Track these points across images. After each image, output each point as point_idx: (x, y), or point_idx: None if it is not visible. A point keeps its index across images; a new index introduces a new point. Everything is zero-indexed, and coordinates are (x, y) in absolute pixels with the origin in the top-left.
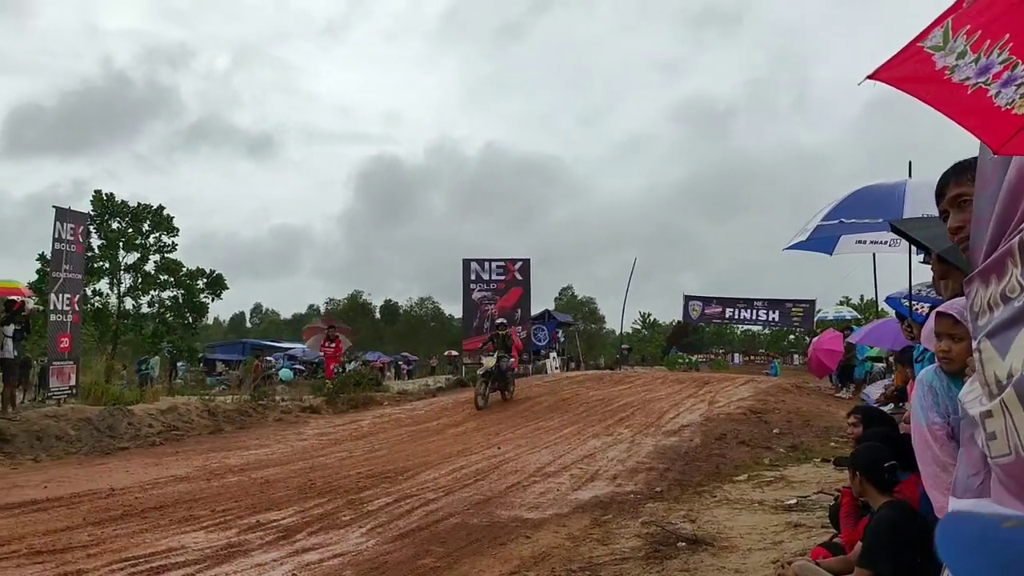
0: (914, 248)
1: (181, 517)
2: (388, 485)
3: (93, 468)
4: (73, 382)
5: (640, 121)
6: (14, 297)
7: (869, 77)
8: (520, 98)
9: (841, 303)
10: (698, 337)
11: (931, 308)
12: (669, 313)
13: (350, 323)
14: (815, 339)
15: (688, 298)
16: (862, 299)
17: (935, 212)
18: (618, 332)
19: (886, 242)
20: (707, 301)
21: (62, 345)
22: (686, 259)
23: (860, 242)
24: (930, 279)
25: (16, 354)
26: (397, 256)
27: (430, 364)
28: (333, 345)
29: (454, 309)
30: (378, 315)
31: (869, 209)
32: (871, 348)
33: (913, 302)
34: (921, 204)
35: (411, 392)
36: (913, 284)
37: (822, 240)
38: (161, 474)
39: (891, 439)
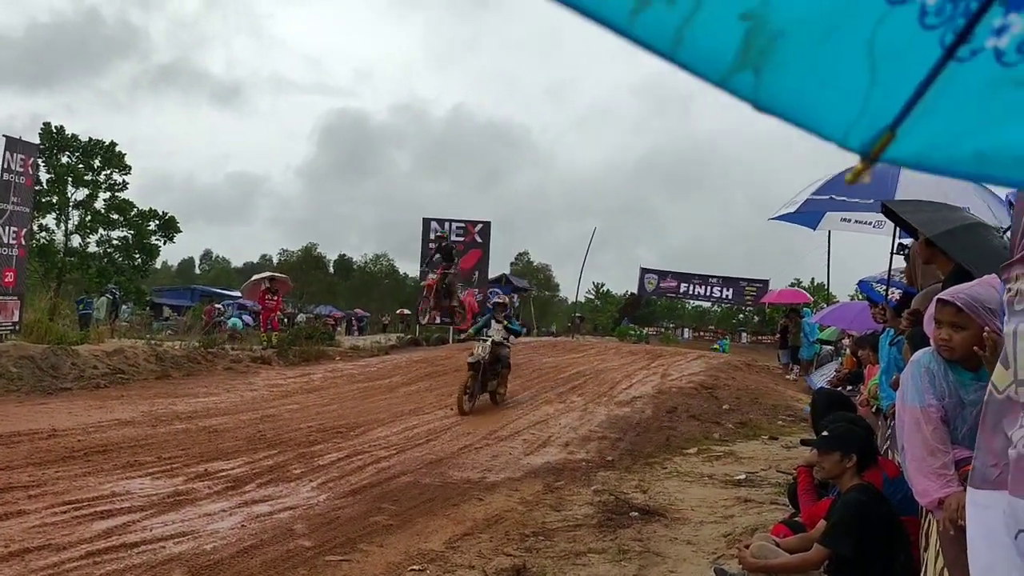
0: (897, 233)
1: (126, 462)
2: (340, 440)
3: (34, 407)
4: (16, 318)
5: (607, 94)
6: None
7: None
8: (490, 63)
9: (793, 284)
10: (650, 310)
11: (903, 294)
12: (623, 284)
13: (303, 276)
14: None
15: (644, 271)
16: (812, 282)
17: (928, 196)
18: (572, 300)
19: (871, 223)
20: (663, 275)
21: (6, 280)
22: (643, 232)
23: (845, 220)
24: (904, 267)
25: None
26: (355, 212)
27: (382, 321)
28: (275, 298)
29: (409, 268)
30: (331, 269)
31: (860, 188)
32: (821, 331)
33: (887, 287)
34: (915, 186)
35: (363, 348)
36: (880, 270)
37: (808, 214)
38: (105, 417)
39: (857, 423)
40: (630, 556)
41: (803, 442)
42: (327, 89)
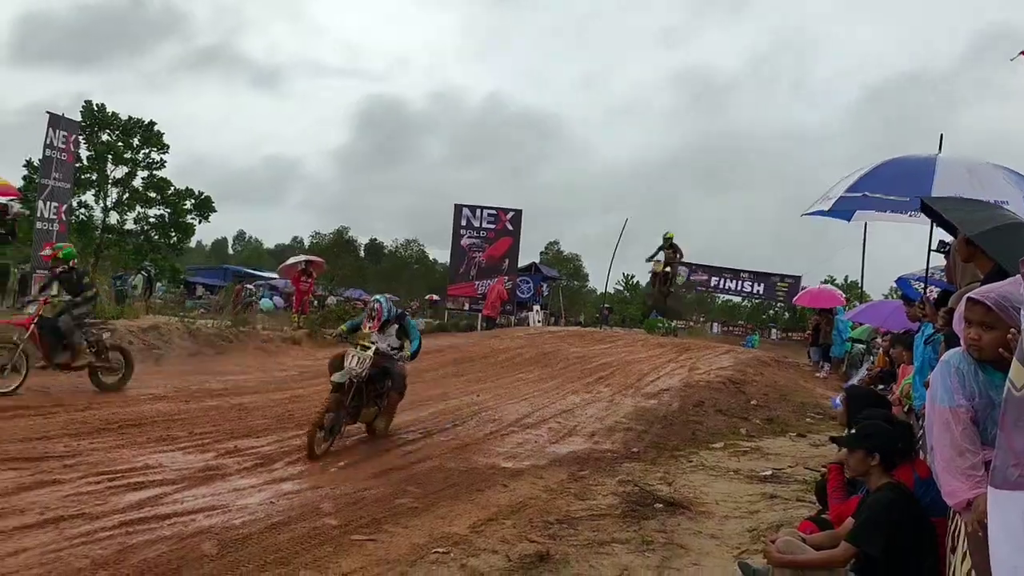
0: (934, 228)
1: (159, 436)
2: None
3: (70, 379)
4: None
5: (641, 87)
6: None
7: None
8: (525, 52)
9: (825, 282)
10: (679, 303)
11: (941, 293)
12: None
13: (334, 259)
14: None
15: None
16: (846, 279)
17: (965, 192)
18: (600, 291)
19: (908, 213)
20: (694, 268)
21: (46, 253)
22: (674, 225)
23: (880, 210)
24: (944, 264)
25: None
26: (387, 197)
27: (411, 307)
28: (309, 280)
29: (438, 254)
30: (362, 253)
31: (895, 183)
32: (853, 329)
33: (925, 284)
34: (951, 182)
35: None
36: (917, 267)
37: (842, 210)
38: (139, 392)
39: (891, 422)
40: (654, 547)
41: (832, 439)
42: (363, 75)
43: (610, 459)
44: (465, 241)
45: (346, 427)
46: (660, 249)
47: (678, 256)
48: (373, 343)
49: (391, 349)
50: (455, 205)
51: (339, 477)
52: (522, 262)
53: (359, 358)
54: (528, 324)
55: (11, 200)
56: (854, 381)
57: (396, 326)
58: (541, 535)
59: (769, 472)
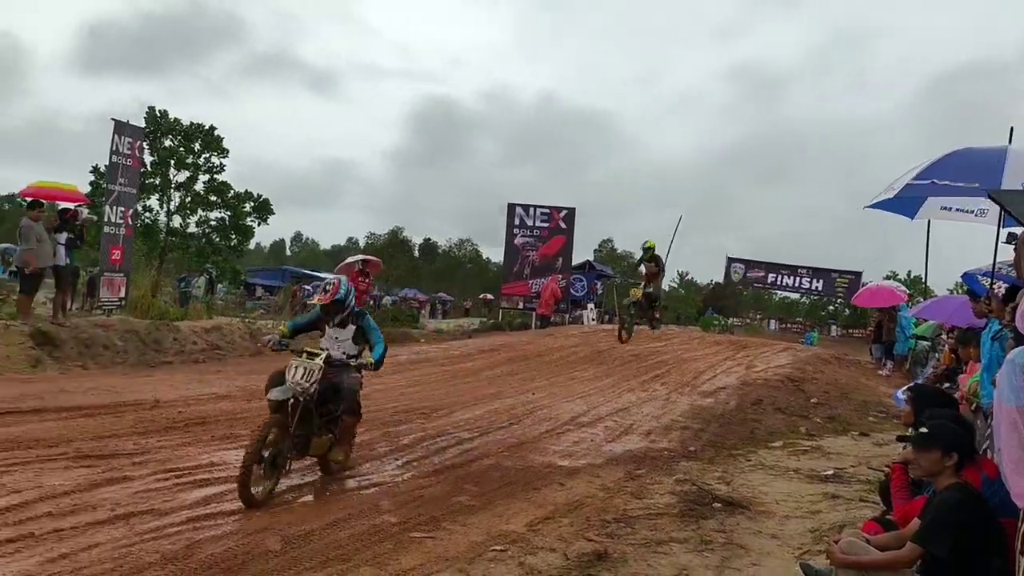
0: (1003, 221)
1: (223, 434)
2: (423, 421)
3: (138, 379)
4: (122, 294)
5: (694, 82)
6: (68, 205)
7: None
8: (578, 50)
9: (888, 277)
10: (735, 300)
11: (1009, 288)
12: (707, 274)
13: (388, 259)
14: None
15: (731, 260)
16: (909, 275)
17: None
18: None
19: (973, 211)
20: (750, 264)
21: (113, 257)
22: (729, 221)
23: (945, 208)
24: (1011, 258)
25: (68, 262)
26: (441, 196)
27: (464, 306)
28: (366, 280)
29: (492, 252)
30: (416, 253)
31: (964, 173)
32: (916, 325)
33: (991, 279)
34: (1022, 174)
35: (446, 332)
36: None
37: (907, 200)
38: (204, 391)
39: (959, 421)
40: (713, 547)
41: (899, 438)
42: (417, 76)
43: (667, 458)
44: (519, 240)
45: (291, 462)
46: (641, 261)
47: (660, 271)
48: (324, 349)
49: (347, 357)
50: (508, 204)
51: (397, 474)
52: (576, 260)
53: (305, 369)
54: (582, 322)
55: (79, 206)
56: (920, 380)
57: (353, 327)
58: (598, 534)
59: (831, 471)
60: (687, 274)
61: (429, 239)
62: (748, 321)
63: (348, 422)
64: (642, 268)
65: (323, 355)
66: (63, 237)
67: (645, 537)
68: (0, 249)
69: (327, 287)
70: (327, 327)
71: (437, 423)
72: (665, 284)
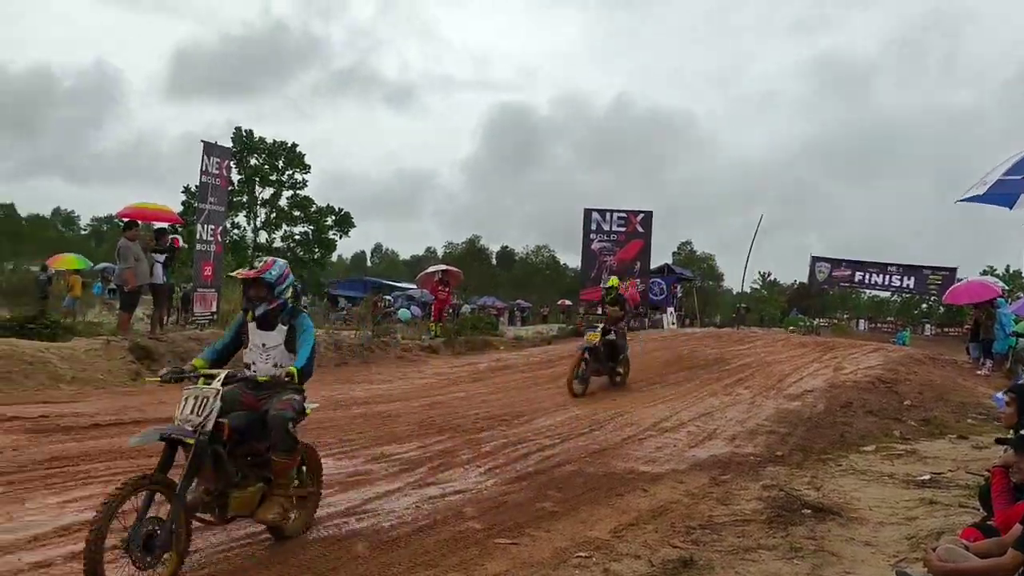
0: None
1: (311, 443)
2: (504, 428)
3: None
4: (215, 308)
5: (774, 78)
6: (163, 225)
7: None
8: (652, 51)
9: (985, 272)
10: (821, 300)
11: None
12: (790, 274)
13: (467, 267)
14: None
15: (815, 259)
16: (1008, 269)
17: None
18: (736, 290)
19: None
20: (836, 263)
21: (205, 273)
22: (813, 219)
23: None
24: None
25: (165, 280)
26: (517, 204)
27: (542, 313)
28: (446, 290)
29: (569, 258)
30: (494, 261)
31: None
32: (1017, 322)
33: None
34: None
35: (526, 339)
36: None
37: (1001, 194)
38: None
39: None
40: (803, 554)
41: (999, 441)
42: (491, 85)
43: (753, 463)
44: (595, 245)
45: (190, 523)
46: (602, 302)
47: (625, 314)
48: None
49: (277, 368)
50: (584, 209)
51: (480, 481)
52: (654, 263)
53: (196, 399)
54: (662, 326)
55: (169, 225)
56: (1022, 379)
57: (286, 328)
58: (684, 540)
59: (927, 476)
60: (769, 274)
61: (506, 247)
62: (835, 321)
63: (279, 464)
64: (603, 307)
65: (221, 375)
66: (161, 257)
67: (732, 544)
68: (100, 268)
69: (256, 264)
70: (249, 329)
71: (518, 430)
72: (747, 285)
